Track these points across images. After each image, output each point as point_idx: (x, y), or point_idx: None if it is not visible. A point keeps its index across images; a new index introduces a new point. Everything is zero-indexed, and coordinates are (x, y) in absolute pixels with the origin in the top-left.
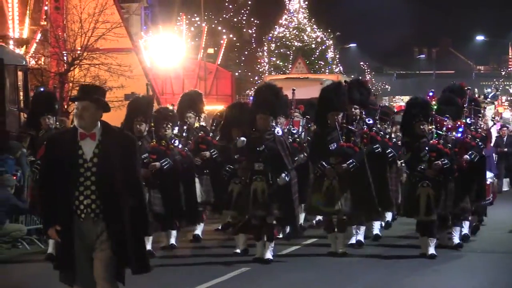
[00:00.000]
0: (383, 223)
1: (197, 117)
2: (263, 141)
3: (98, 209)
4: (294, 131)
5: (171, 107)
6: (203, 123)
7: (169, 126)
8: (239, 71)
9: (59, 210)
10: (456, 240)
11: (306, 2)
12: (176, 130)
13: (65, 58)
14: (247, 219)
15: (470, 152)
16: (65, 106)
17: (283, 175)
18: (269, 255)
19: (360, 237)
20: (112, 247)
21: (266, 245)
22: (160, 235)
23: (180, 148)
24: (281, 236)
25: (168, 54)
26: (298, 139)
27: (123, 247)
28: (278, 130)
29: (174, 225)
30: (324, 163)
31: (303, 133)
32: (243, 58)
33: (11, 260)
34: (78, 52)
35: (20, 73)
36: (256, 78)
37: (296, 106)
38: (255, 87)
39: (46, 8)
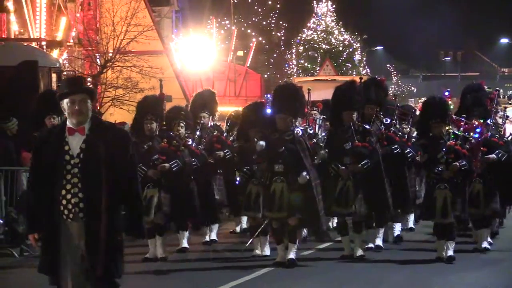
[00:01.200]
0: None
1: (210, 117)
2: (283, 142)
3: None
4: (311, 131)
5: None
6: (217, 123)
7: (182, 125)
8: (268, 73)
9: (45, 211)
10: (485, 244)
11: (334, 6)
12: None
13: (98, 60)
14: (267, 222)
15: (497, 151)
16: (98, 108)
17: (304, 173)
18: (292, 255)
19: (379, 241)
20: (85, 249)
21: (289, 246)
22: (171, 238)
23: (194, 146)
24: (305, 235)
25: (198, 57)
26: (315, 139)
27: (95, 250)
28: (298, 130)
29: (186, 226)
30: (338, 163)
31: (319, 132)
32: (272, 61)
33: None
34: (111, 54)
35: (54, 75)
36: (284, 80)
37: (314, 106)
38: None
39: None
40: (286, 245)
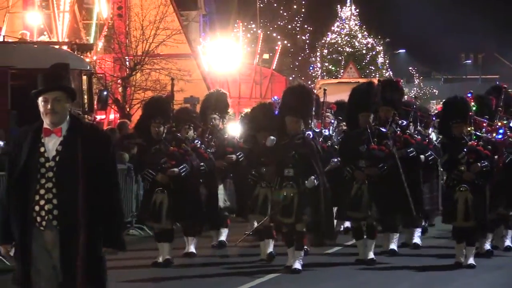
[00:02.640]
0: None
1: (221, 119)
2: (293, 146)
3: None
4: (326, 133)
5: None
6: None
7: (191, 127)
8: (293, 76)
9: (18, 218)
10: (508, 242)
11: (358, 10)
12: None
13: (127, 63)
14: (275, 226)
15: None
16: (127, 109)
17: (312, 177)
18: (297, 265)
19: (393, 245)
20: (59, 265)
21: (295, 254)
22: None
23: (203, 149)
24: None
25: (225, 60)
26: (329, 142)
27: (70, 268)
28: (309, 133)
29: (195, 231)
30: (353, 166)
31: (334, 134)
32: (297, 63)
33: None
34: (140, 57)
35: (84, 78)
36: (309, 82)
37: (328, 106)
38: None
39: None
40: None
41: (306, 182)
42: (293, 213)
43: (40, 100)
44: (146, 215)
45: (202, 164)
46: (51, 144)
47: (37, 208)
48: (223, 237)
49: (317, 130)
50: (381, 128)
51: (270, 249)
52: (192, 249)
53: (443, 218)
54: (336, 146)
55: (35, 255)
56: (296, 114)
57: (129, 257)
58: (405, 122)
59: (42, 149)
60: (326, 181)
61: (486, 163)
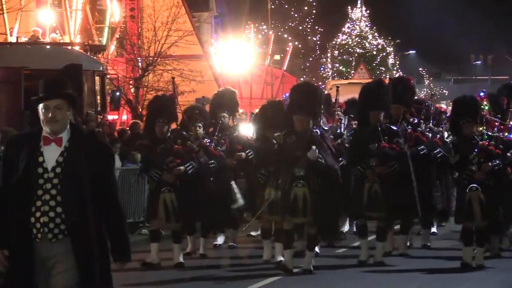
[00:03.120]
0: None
1: (231, 117)
2: (302, 145)
3: (57, 229)
4: (338, 131)
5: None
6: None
7: (199, 125)
8: (304, 76)
9: (11, 229)
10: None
11: (368, 11)
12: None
13: (139, 64)
14: (275, 225)
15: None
16: (140, 110)
17: (314, 147)
18: (309, 265)
19: (403, 247)
20: (79, 272)
21: (307, 255)
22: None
23: (213, 147)
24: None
25: (236, 60)
26: (339, 139)
27: (90, 271)
28: (317, 131)
29: (204, 232)
30: (364, 164)
31: (345, 132)
32: (308, 64)
33: None
34: (152, 58)
35: (97, 78)
36: (320, 83)
37: (339, 105)
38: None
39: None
40: (295, 251)
41: (308, 153)
42: (307, 213)
43: (40, 107)
44: (151, 215)
45: (212, 161)
46: (50, 154)
47: (32, 219)
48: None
49: (326, 128)
50: (392, 126)
51: (281, 257)
52: (201, 250)
53: (455, 218)
54: (346, 145)
55: (29, 267)
56: (303, 112)
57: (137, 259)
58: (416, 120)
59: (40, 159)
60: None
61: (497, 162)
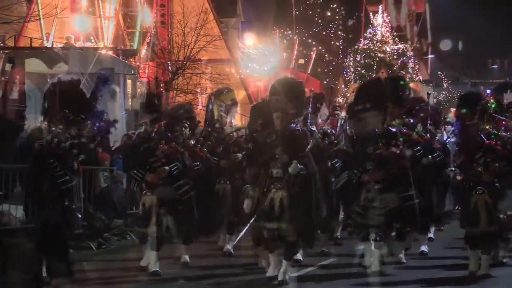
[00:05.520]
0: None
1: (227, 114)
2: (280, 143)
3: None
4: (331, 132)
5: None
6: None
7: (186, 126)
8: (327, 80)
9: None
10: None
11: (389, 17)
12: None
13: (169, 67)
14: (257, 232)
15: None
16: None
17: (295, 162)
18: (284, 275)
19: (400, 255)
20: None
21: (283, 265)
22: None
23: (198, 148)
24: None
25: (262, 64)
26: (335, 141)
27: None
28: (299, 129)
29: (187, 239)
30: (360, 169)
31: (342, 135)
32: (331, 68)
33: (119, 250)
34: (181, 62)
35: (129, 81)
36: (342, 86)
37: (337, 106)
38: (342, 95)
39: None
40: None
41: (289, 168)
42: (283, 218)
43: None
44: (134, 218)
45: (197, 163)
46: None
47: None
48: (230, 245)
49: (313, 129)
50: (390, 128)
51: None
52: (185, 258)
53: (461, 222)
54: (345, 148)
55: None
56: (281, 109)
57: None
58: (412, 120)
59: None
60: (318, 179)
61: (504, 163)
